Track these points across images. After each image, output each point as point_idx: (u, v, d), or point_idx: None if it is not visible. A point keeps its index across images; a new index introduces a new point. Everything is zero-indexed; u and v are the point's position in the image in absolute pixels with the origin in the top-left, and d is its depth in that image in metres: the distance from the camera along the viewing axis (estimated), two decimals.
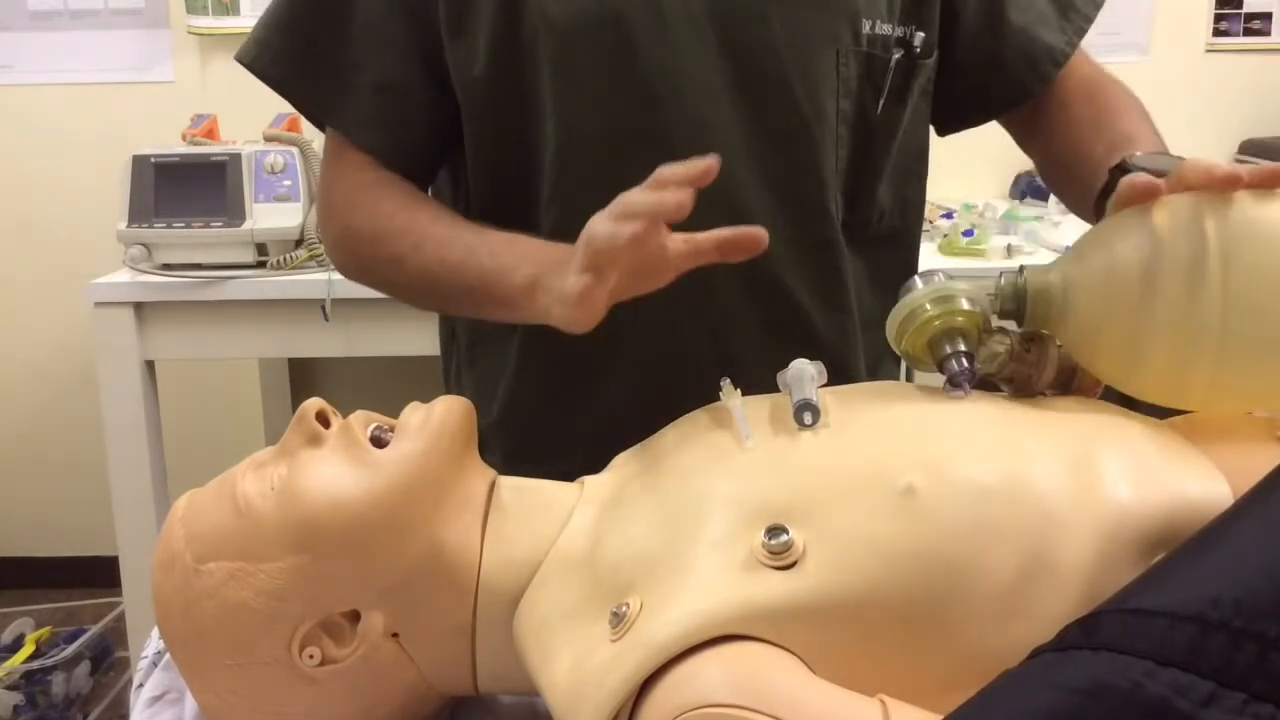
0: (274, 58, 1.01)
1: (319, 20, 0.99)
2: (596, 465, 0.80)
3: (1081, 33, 1.06)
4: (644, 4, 0.91)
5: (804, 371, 0.75)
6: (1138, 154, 0.89)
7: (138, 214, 2.01)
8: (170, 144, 2.11)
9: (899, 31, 0.97)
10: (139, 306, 2.03)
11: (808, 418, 0.70)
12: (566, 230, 0.94)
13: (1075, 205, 1.00)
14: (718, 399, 0.76)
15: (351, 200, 1.01)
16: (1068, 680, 0.49)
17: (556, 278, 0.80)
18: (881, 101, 0.98)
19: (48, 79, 2.71)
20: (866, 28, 0.95)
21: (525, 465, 0.84)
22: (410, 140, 1.01)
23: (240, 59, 1.02)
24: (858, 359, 1.04)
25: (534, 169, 0.97)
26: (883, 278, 1.05)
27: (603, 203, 0.93)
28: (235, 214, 2.00)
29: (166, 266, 2.03)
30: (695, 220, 0.94)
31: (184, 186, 2.02)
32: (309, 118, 1.05)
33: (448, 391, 1.14)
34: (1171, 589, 0.50)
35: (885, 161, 1.02)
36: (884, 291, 1.06)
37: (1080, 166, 0.97)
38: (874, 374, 1.06)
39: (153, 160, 2.03)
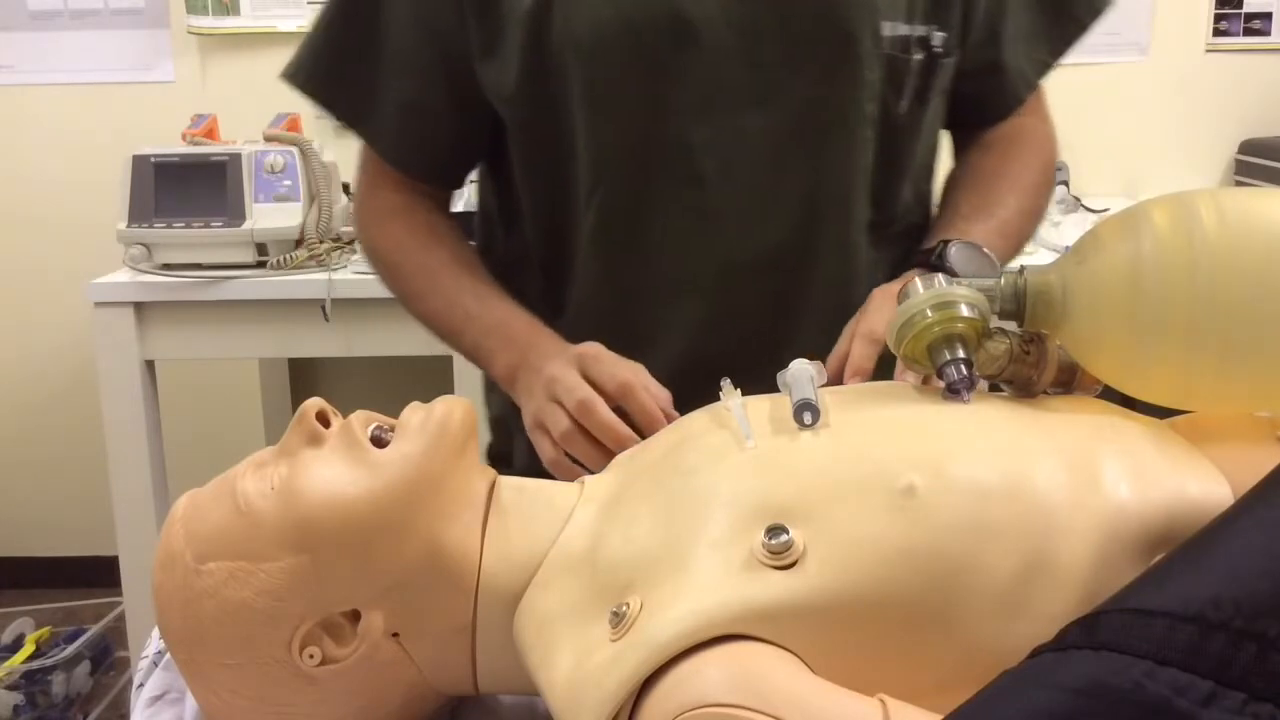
0: (310, 76, 1.07)
1: (351, 40, 1.05)
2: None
3: (1056, 53, 1.09)
4: (667, 18, 0.93)
5: (803, 371, 0.75)
6: (952, 245, 0.94)
7: (138, 214, 2.01)
8: (170, 144, 2.11)
9: (919, 32, 0.98)
10: (139, 306, 2.03)
11: (807, 417, 0.70)
12: (604, 231, 1.00)
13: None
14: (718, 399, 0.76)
15: (380, 223, 1.09)
16: (1068, 680, 0.49)
17: (530, 377, 0.91)
18: (904, 102, 0.99)
19: (48, 79, 2.71)
20: (886, 30, 0.96)
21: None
22: (433, 157, 1.07)
23: (284, 76, 1.08)
24: None
25: (572, 177, 1.00)
26: (903, 273, 1.07)
27: (633, 210, 0.99)
28: (235, 214, 2.00)
29: (166, 266, 2.03)
30: (716, 226, 0.97)
31: (184, 186, 2.02)
32: (350, 130, 1.11)
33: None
34: (1171, 589, 0.50)
35: (910, 160, 1.04)
36: None
37: (946, 209, 1.04)
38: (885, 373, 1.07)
39: (153, 160, 2.03)
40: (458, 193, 1.20)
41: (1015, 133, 1.09)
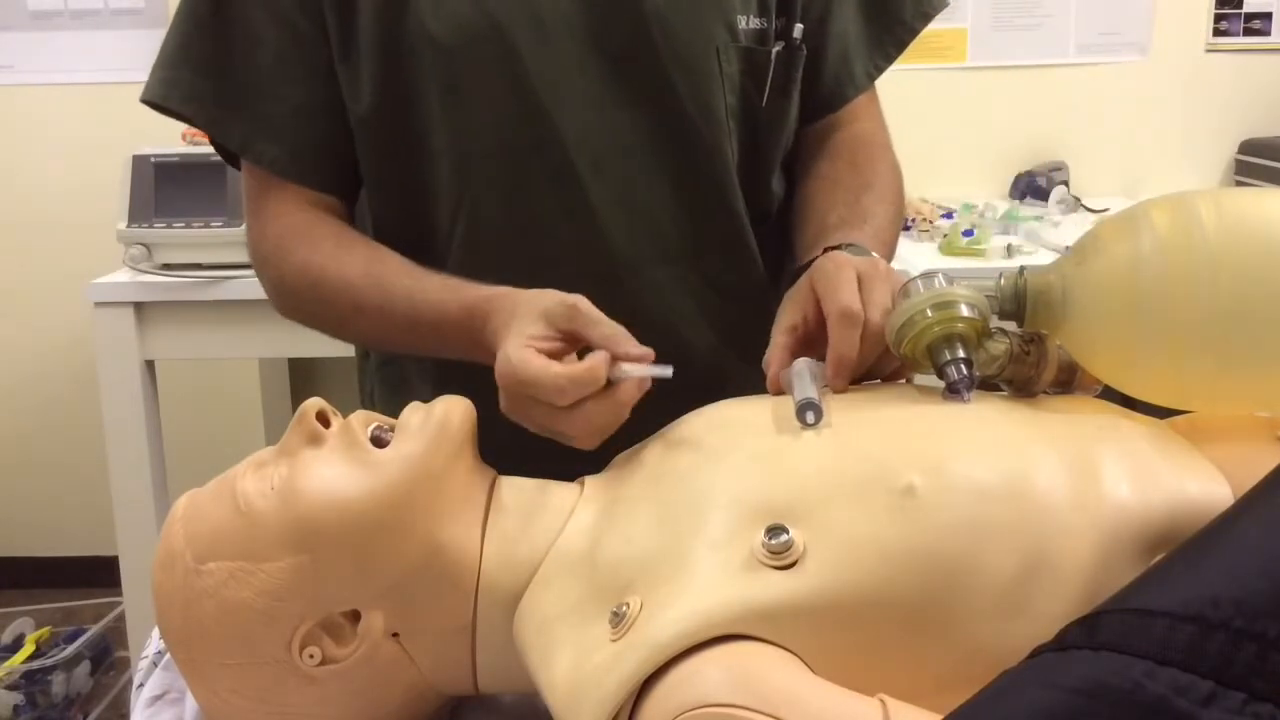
0: (186, 95, 0.98)
1: (224, 54, 0.97)
2: (596, 466, 0.80)
3: (889, 58, 1.07)
4: (524, 15, 0.92)
5: (806, 369, 0.74)
6: (845, 247, 0.88)
7: (138, 214, 2.02)
8: (170, 144, 2.11)
9: (778, 24, 0.99)
10: (139, 306, 2.03)
11: (810, 416, 0.70)
12: (477, 239, 0.96)
13: (793, 249, 1.01)
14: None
15: (283, 250, 0.98)
16: (1068, 680, 0.49)
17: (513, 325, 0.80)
18: (766, 95, 0.99)
19: (48, 79, 2.71)
20: (742, 23, 0.97)
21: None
22: (334, 162, 0.99)
23: (147, 99, 0.99)
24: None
25: (432, 189, 0.97)
26: (776, 264, 1.06)
27: (505, 214, 0.95)
28: (235, 214, 2.00)
29: (166, 266, 2.03)
30: (598, 222, 0.95)
31: (184, 186, 2.02)
32: (227, 154, 1.03)
33: (360, 401, 1.13)
34: (1171, 589, 0.50)
35: (776, 154, 1.04)
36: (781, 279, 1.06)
37: (810, 223, 0.98)
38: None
39: (153, 160, 2.03)
40: None
41: (859, 140, 1.06)
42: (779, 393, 0.77)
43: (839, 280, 0.78)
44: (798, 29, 1.00)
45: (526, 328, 0.78)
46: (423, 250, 0.97)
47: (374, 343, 1.00)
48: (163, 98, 0.99)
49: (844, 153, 1.05)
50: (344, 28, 0.94)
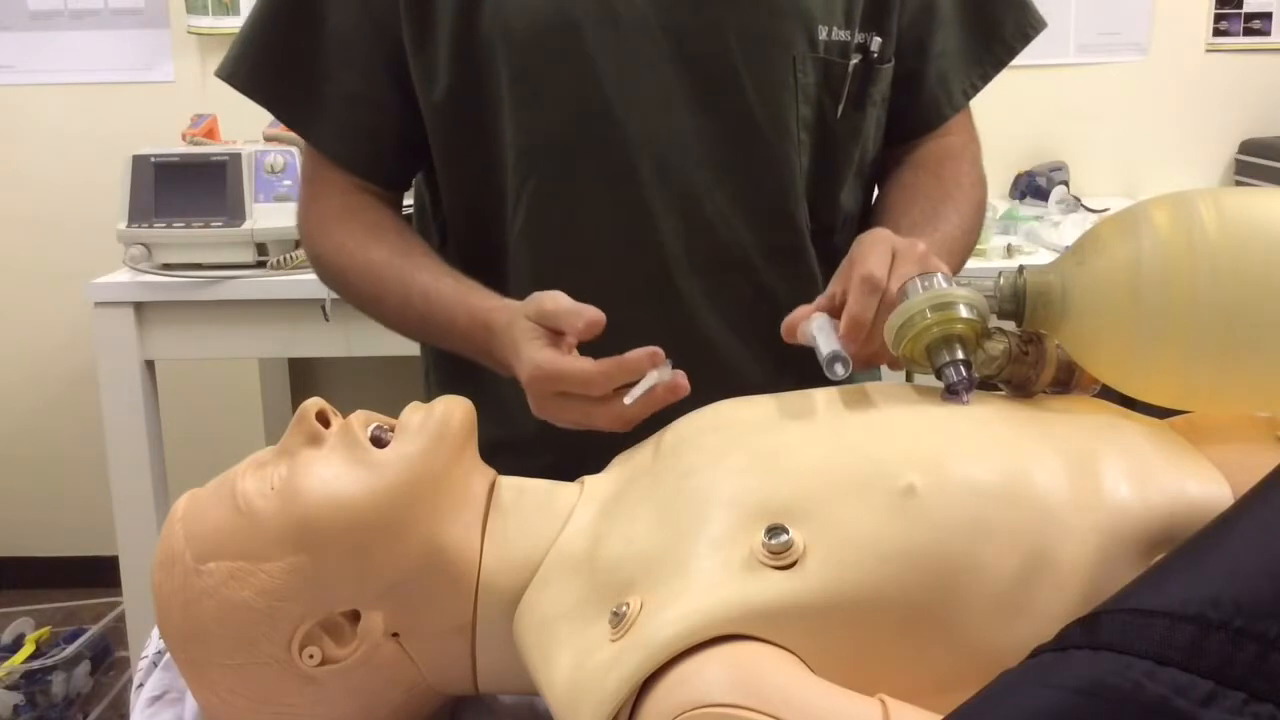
0: (251, 71, 1.04)
1: (292, 34, 1.01)
2: (597, 464, 0.80)
3: (986, 77, 1.07)
4: (599, 12, 0.92)
5: (826, 323, 0.75)
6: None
7: (138, 214, 2.02)
8: (170, 144, 2.11)
9: (858, 38, 0.98)
10: (139, 306, 2.03)
11: (839, 369, 0.70)
12: (535, 231, 0.97)
13: None
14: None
15: (323, 231, 1.04)
16: (1068, 680, 0.49)
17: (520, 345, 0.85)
18: (840, 107, 0.98)
19: (48, 79, 2.71)
20: (823, 34, 0.96)
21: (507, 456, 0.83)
22: (380, 152, 1.04)
23: (220, 74, 1.04)
24: None
25: (499, 177, 0.98)
26: None
27: (563, 209, 0.96)
28: (235, 214, 2.00)
29: (166, 266, 2.03)
30: (654, 225, 0.95)
31: (184, 186, 2.02)
32: (292, 130, 1.08)
33: (425, 387, 1.14)
34: (1172, 589, 0.50)
35: (847, 167, 1.03)
36: None
37: (887, 224, 0.97)
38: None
39: (153, 160, 2.03)
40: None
41: (947, 153, 1.07)
42: (794, 341, 0.79)
43: (872, 251, 0.80)
44: (875, 42, 0.98)
45: (529, 332, 0.82)
46: (485, 239, 1.00)
47: (396, 330, 1.03)
48: (230, 75, 1.05)
49: (929, 163, 1.05)
50: (421, 16, 0.96)
